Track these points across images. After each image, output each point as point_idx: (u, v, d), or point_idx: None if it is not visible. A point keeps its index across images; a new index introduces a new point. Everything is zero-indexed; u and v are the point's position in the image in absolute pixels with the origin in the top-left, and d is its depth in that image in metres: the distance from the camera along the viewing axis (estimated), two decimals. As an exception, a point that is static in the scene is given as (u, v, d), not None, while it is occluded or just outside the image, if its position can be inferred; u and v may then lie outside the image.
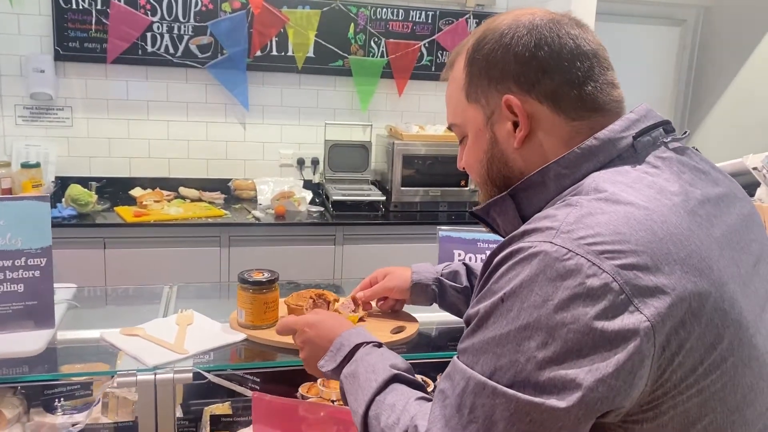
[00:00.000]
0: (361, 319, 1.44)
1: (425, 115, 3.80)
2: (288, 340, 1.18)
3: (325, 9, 3.51)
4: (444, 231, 1.62)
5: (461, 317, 1.34)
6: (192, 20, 3.38)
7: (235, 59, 3.45)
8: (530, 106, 0.82)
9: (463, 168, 0.97)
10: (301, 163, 3.69)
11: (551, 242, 0.70)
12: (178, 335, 1.31)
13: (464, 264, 1.35)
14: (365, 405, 0.87)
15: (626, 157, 0.79)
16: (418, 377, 0.95)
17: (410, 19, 3.65)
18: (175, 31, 3.37)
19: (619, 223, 0.71)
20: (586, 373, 0.66)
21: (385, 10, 3.60)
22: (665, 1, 4.03)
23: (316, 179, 3.72)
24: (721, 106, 3.99)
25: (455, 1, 3.69)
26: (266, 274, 1.34)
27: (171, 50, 3.38)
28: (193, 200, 3.40)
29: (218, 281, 3.10)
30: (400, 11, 3.63)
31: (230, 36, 3.42)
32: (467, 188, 3.48)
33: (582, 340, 0.67)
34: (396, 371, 0.91)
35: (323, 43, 3.55)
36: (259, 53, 3.49)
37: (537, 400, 0.67)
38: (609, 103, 0.82)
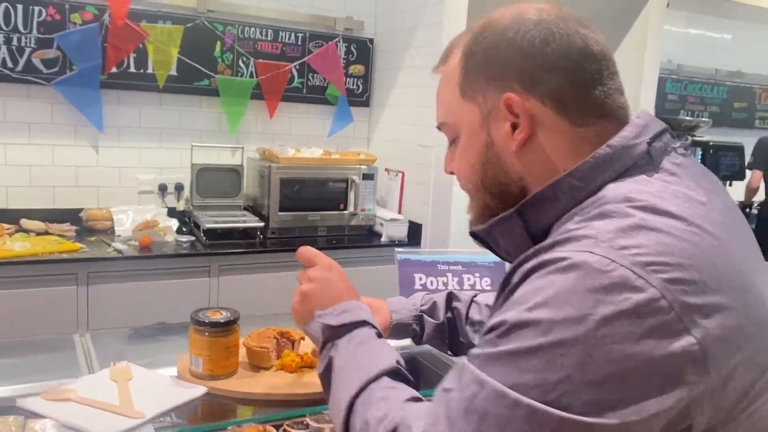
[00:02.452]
0: None
1: (297, 138, 3.67)
2: (255, 389, 1.00)
3: (188, 25, 3.28)
4: (402, 254, 1.50)
5: (444, 351, 1.24)
6: (35, 31, 2.99)
7: (87, 76, 3.10)
8: (532, 106, 0.75)
9: (451, 172, 0.88)
10: (163, 189, 3.39)
11: (591, 252, 0.63)
12: (121, 395, 1.07)
13: (450, 293, 1.23)
14: (357, 388, 0.78)
15: (642, 165, 0.73)
16: None
17: (280, 39, 3.53)
18: (15, 42, 2.96)
19: (662, 233, 0.65)
20: (629, 400, 0.60)
21: (253, 29, 3.45)
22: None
23: (181, 206, 3.43)
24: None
25: (324, 24, 3.63)
26: (224, 314, 1.14)
27: (9, 64, 2.97)
28: (38, 233, 2.97)
29: (77, 325, 2.72)
30: (269, 31, 3.49)
31: (81, 50, 3.07)
32: (346, 211, 3.39)
33: (626, 362, 0.60)
34: (398, 366, 0.83)
35: (187, 60, 3.31)
36: (114, 70, 3.17)
37: (566, 415, 0.60)
38: (616, 109, 0.77)
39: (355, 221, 3.43)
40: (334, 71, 3.66)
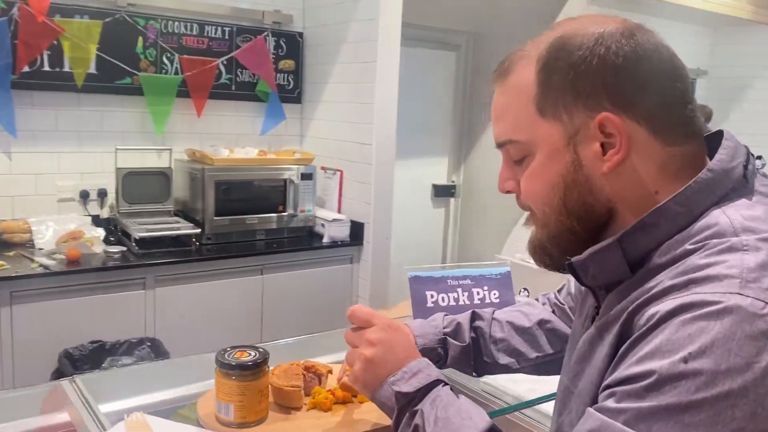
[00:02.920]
0: None
1: (227, 138, 3.51)
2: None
3: (107, 20, 3.05)
4: (412, 271, 1.43)
5: (468, 372, 1.19)
6: (-68, 25, 2.69)
7: (-5, 75, 2.82)
8: (628, 127, 0.71)
9: (508, 191, 0.83)
10: (84, 196, 3.15)
11: (740, 294, 0.61)
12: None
13: (473, 312, 1.18)
14: None
15: (738, 189, 0.72)
16: None
17: (205, 34, 3.35)
18: None
19: None
20: None
21: (177, 23, 3.26)
22: (440, 27, 4.28)
23: (105, 214, 3.21)
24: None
25: (251, 18, 3.49)
26: (252, 353, 1.04)
27: None
28: (-54, 250, 2.69)
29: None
30: (194, 25, 3.31)
31: (-13, 47, 2.80)
32: (285, 213, 3.28)
33: None
34: (492, 422, 0.78)
35: (107, 58, 3.08)
36: (27, 69, 2.90)
37: None
38: (699, 129, 0.75)
39: (295, 223, 3.33)
40: (264, 66, 3.53)
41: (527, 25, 4.07)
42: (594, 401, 0.70)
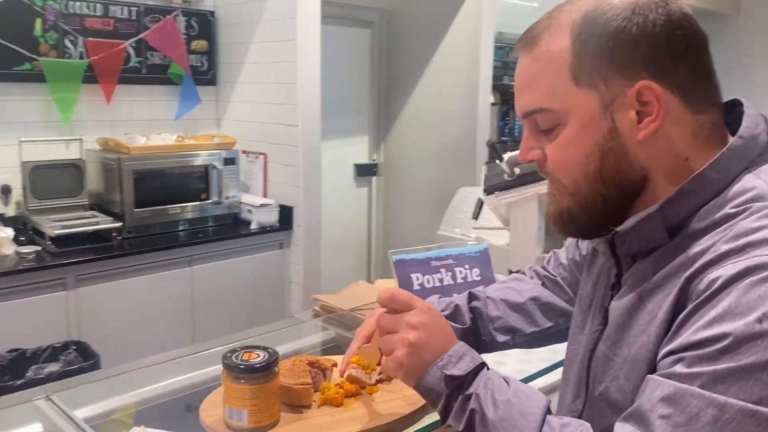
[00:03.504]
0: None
1: (140, 124, 3.32)
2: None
3: (-1, 0, 2.80)
4: (396, 255, 1.39)
5: None
6: None
7: None
8: (663, 95, 0.73)
9: (531, 161, 0.82)
10: (-14, 194, 2.90)
11: None
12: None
13: (470, 293, 1.15)
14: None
15: (764, 153, 0.76)
16: None
17: (110, 14, 3.13)
18: None
19: None
20: None
21: (78, 3, 3.02)
22: (352, 3, 4.21)
23: (12, 211, 2.96)
24: (412, 104, 4.35)
25: (159, -4, 3.30)
26: (262, 354, 0.97)
27: None
28: None
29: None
30: (98, 6, 3.09)
31: None
32: (209, 201, 3.15)
33: None
34: (548, 399, 0.77)
35: (3, 42, 2.82)
36: None
37: None
38: (720, 94, 0.79)
39: (220, 210, 3.20)
40: (176, 48, 3.35)
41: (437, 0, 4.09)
42: (651, 368, 0.70)
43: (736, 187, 0.72)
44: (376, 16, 4.39)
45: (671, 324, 0.70)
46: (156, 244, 2.93)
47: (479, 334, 1.10)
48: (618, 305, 0.80)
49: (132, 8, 3.20)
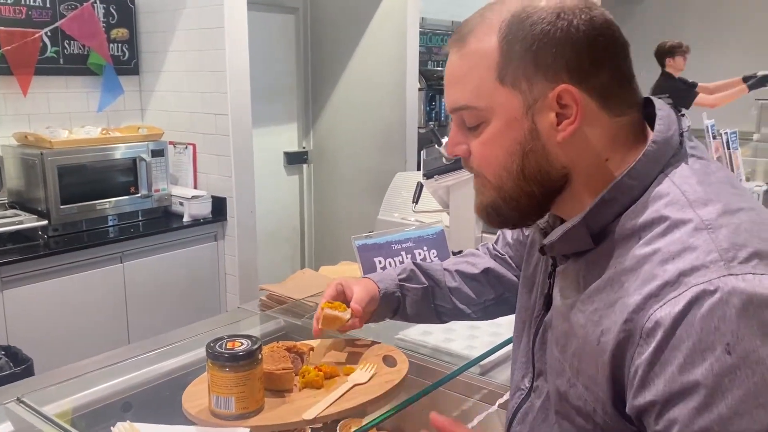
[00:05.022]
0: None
1: (60, 117, 3.18)
2: (313, 414, 0.90)
3: None
4: (358, 240, 1.40)
5: (426, 321, 1.21)
6: None
7: None
8: (582, 99, 0.75)
9: (457, 156, 0.85)
10: None
11: (732, 274, 0.65)
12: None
13: (414, 263, 1.19)
14: None
15: (677, 154, 0.78)
16: None
17: (23, 2, 2.97)
18: None
19: (760, 230, 0.70)
20: None
21: (-14, -10, 2.86)
22: (275, -11, 4.16)
23: None
24: (340, 90, 4.34)
25: (74, -18, 3.15)
26: (246, 342, 0.97)
27: None
28: None
29: None
30: (8, -8, 2.92)
31: None
32: (138, 194, 3.06)
33: None
34: None
35: None
36: None
37: None
38: (638, 97, 0.81)
39: (150, 204, 3.12)
40: (95, 37, 3.22)
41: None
42: (611, 392, 0.72)
43: (654, 193, 0.74)
44: (300, 2, 4.35)
45: (621, 359, 0.70)
46: (84, 241, 2.83)
47: (438, 299, 1.16)
48: (559, 310, 0.82)
49: (46, -5, 3.05)
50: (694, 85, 5.19)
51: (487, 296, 1.18)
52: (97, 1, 3.23)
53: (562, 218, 0.84)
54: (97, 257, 2.81)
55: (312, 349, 1.17)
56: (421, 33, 4.97)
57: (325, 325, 1.12)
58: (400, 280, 1.17)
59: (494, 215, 0.84)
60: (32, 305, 2.60)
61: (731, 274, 0.65)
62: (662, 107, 0.80)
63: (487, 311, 1.20)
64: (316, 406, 1.02)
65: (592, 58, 0.74)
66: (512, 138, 0.78)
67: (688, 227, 0.70)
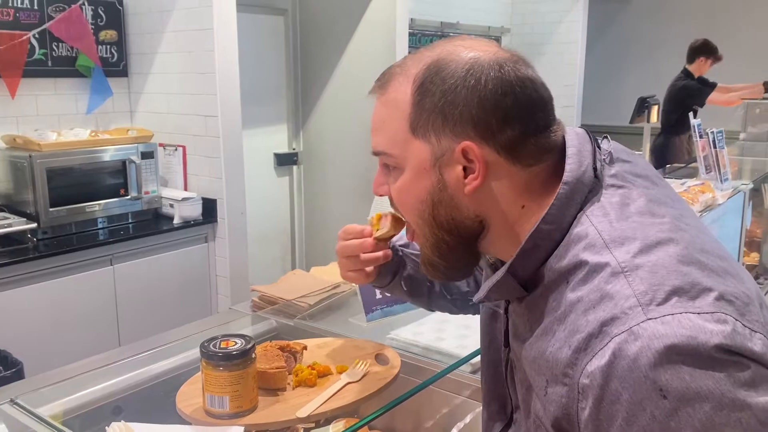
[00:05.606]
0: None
1: (48, 120, 3.16)
2: (307, 411, 0.91)
3: None
4: None
5: (417, 296, 1.19)
6: None
7: None
8: (487, 155, 0.76)
9: (381, 194, 0.87)
10: None
11: (650, 318, 0.65)
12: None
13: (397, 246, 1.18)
14: None
15: (594, 189, 0.77)
16: None
17: (11, 4, 2.96)
18: None
19: (678, 264, 0.68)
20: None
21: (-27, -9, 2.84)
22: (265, -9, 4.16)
23: None
24: (330, 91, 4.35)
25: (62, -16, 3.14)
26: (239, 341, 0.97)
27: None
28: None
29: None
30: (-5, -6, 2.91)
31: None
32: (128, 196, 3.05)
33: None
34: None
35: None
36: None
37: None
38: (556, 142, 0.80)
39: (140, 206, 3.11)
40: (83, 38, 3.21)
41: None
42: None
43: (572, 235, 0.74)
44: (289, 3, 4.35)
45: (568, 414, 0.70)
46: (74, 243, 2.82)
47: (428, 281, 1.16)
48: (515, 352, 0.83)
49: (33, -3, 3.03)
50: (713, 85, 5.30)
51: (468, 287, 1.18)
52: (86, 3, 3.22)
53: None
54: (87, 260, 2.80)
55: (305, 348, 1.18)
56: (409, 34, 4.98)
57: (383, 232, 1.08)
58: (399, 245, 1.16)
59: (431, 269, 0.87)
60: (22, 309, 2.59)
61: (649, 319, 0.65)
62: (573, 143, 0.79)
63: (463, 302, 1.19)
64: (309, 404, 1.03)
65: (499, 116, 0.75)
66: (422, 187, 0.80)
67: (605, 272, 0.70)
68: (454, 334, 1.52)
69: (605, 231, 0.72)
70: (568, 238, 0.74)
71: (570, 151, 0.78)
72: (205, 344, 0.98)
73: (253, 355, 1.00)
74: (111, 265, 2.89)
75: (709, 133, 2.39)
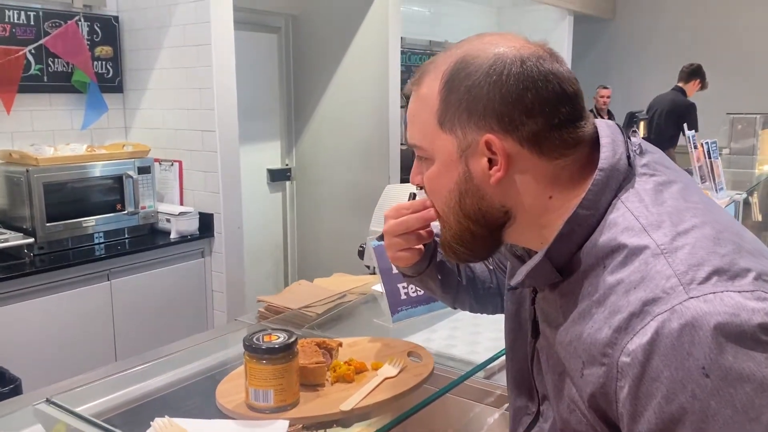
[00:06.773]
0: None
1: (43, 135, 3.16)
2: (350, 405, 0.93)
3: None
4: (375, 242, 1.44)
5: (447, 288, 1.18)
6: None
7: None
8: (510, 147, 0.79)
9: (415, 184, 0.90)
10: None
11: (692, 297, 0.66)
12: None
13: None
14: None
15: (628, 176, 0.79)
16: None
17: (7, 20, 2.96)
18: None
19: (715, 246, 0.70)
20: None
21: (-30, 7, 2.84)
22: (258, 8, 4.20)
23: None
24: (322, 108, 4.38)
25: (59, 1, 3.15)
26: (282, 335, 0.99)
27: None
28: None
29: None
30: (-8, 10, 2.91)
31: None
32: (125, 212, 3.04)
33: None
34: None
35: None
36: None
37: None
38: (588, 135, 0.82)
39: (136, 221, 3.10)
40: (79, 54, 3.21)
41: (341, 4, 4.15)
42: (593, 420, 0.74)
43: (609, 221, 0.76)
44: (282, 21, 4.39)
45: (605, 395, 0.71)
46: (71, 259, 2.80)
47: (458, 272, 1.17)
48: (546, 339, 0.85)
49: (30, 13, 3.04)
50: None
51: (491, 283, 1.20)
52: (82, 19, 3.23)
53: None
54: (83, 275, 2.79)
55: (340, 344, 1.20)
56: (401, 52, 5.05)
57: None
58: (435, 235, 1.13)
59: (449, 252, 0.89)
60: (19, 324, 2.56)
61: (692, 297, 0.66)
62: (606, 134, 0.82)
63: (485, 298, 1.20)
64: (351, 398, 1.05)
65: (521, 109, 0.77)
66: (450, 178, 0.83)
67: (645, 254, 0.71)
68: (465, 340, 1.53)
69: (642, 215, 0.74)
70: (603, 223, 0.76)
71: (604, 140, 0.80)
72: (249, 338, 0.99)
73: (296, 350, 1.02)
74: (108, 280, 2.87)
75: (704, 144, 2.45)
